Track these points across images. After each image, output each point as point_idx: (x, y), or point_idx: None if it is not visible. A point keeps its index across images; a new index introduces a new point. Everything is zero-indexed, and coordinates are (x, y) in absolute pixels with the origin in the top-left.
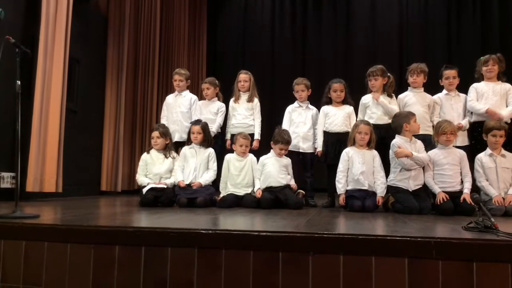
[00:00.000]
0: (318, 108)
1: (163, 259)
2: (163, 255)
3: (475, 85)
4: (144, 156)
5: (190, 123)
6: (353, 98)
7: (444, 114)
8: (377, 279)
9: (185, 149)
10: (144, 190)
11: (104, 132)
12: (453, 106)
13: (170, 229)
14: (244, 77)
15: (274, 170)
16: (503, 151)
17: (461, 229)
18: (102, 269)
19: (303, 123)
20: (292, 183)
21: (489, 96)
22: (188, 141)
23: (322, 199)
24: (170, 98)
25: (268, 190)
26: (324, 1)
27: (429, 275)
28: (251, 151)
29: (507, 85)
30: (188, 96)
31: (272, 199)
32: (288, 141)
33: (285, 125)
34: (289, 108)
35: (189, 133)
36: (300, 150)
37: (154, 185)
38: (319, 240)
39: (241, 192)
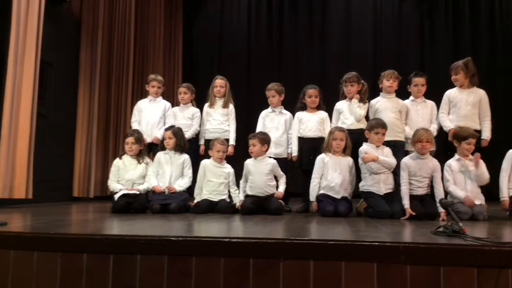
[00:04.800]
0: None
1: (132, 267)
2: (132, 263)
3: (448, 92)
4: (117, 161)
5: (164, 129)
6: (328, 103)
7: (410, 121)
8: (346, 284)
9: (159, 155)
10: (116, 196)
11: (77, 137)
12: (418, 112)
13: (140, 237)
14: (220, 83)
15: (260, 180)
16: (470, 157)
17: (430, 233)
18: (70, 278)
19: (275, 128)
20: (280, 189)
21: (462, 106)
22: (162, 147)
23: (297, 204)
24: (143, 103)
25: (252, 197)
26: (299, 7)
27: (397, 279)
28: (226, 157)
29: (480, 92)
30: (162, 103)
31: (253, 209)
32: (254, 135)
33: (258, 130)
34: (263, 113)
35: (163, 140)
36: (272, 156)
37: (126, 191)
38: (290, 246)
39: (216, 198)
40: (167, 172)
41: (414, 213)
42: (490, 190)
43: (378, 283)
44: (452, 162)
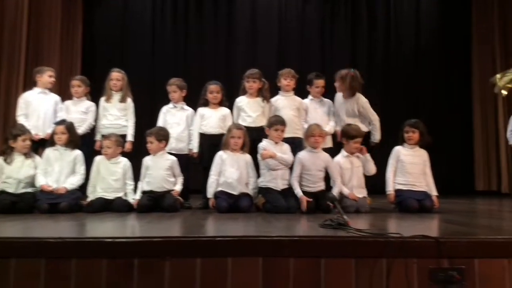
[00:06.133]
0: None
1: (5, 272)
2: (5, 268)
3: (335, 96)
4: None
5: (54, 123)
6: (233, 101)
7: (308, 118)
8: (232, 279)
9: (48, 151)
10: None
11: None
12: (317, 111)
13: (14, 239)
14: (116, 76)
15: (159, 174)
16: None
17: (318, 226)
18: None
19: (176, 124)
20: (177, 188)
21: (344, 117)
22: (51, 143)
23: (198, 201)
24: (30, 96)
25: (148, 193)
26: (205, 3)
27: (281, 272)
28: (124, 153)
29: (359, 101)
30: (52, 96)
31: (149, 205)
32: (151, 132)
33: (159, 126)
34: (164, 109)
35: (52, 135)
36: (173, 152)
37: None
38: (176, 244)
39: (111, 195)
40: (56, 169)
41: (309, 199)
42: (379, 184)
43: (263, 276)
44: (340, 159)
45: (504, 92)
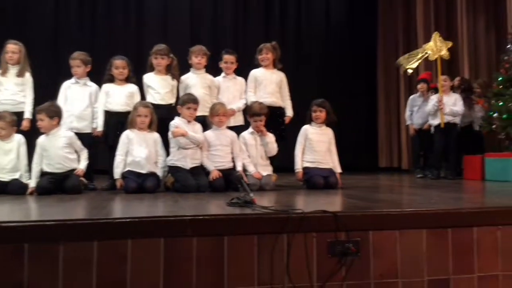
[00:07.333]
0: None
1: None
2: None
3: (253, 72)
4: None
5: None
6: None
7: (221, 96)
8: (132, 262)
9: None
10: None
11: None
12: (229, 89)
13: None
14: (12, 48)
15: (57, 154)
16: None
17: (225, 205)
18: None
19: (78, 101)
20: (81, 165)
21: (267, 84)
22: None
23: (104, 182)
24: None
25: (49, 174)
26: None
27: (184, 252)
28: (21, 132)
29: (281, 74)
30: None
31: (50, 188)
32: (41, 109)
33: (60, 102)
34: (65, 84)
35: None
36: (74, 131)
37: None
38: (70, 227)
39: (6, 177)
40: None
41: (221, 174)
42: (291, 162)
43: (165, 257)
44: (246, 135)
45: (410, 71)
